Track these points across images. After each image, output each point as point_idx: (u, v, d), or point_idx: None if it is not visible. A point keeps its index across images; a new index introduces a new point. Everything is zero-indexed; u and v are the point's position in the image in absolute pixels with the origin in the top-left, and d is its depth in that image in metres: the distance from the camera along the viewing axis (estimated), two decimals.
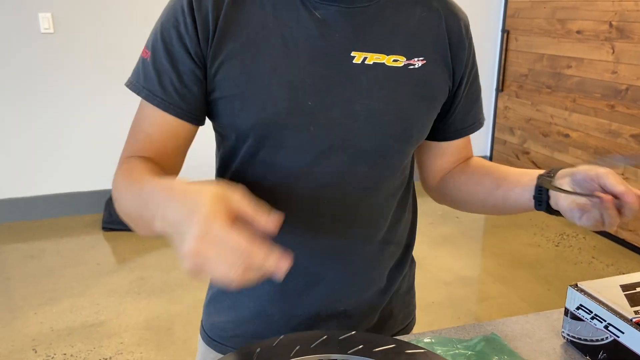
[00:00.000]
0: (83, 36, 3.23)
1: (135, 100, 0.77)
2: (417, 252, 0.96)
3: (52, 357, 2.11)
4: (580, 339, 0.78)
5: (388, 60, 0.76)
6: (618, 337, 0.71)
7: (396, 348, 0.64)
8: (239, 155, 0.78)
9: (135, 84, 0.76)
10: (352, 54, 0.74)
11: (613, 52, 3.15)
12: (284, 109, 0.73)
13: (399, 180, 0.86)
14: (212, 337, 0.90)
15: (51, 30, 3.16)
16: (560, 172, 0.75)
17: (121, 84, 0.89)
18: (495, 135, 4.29)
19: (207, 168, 1.71)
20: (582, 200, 0.71)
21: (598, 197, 0.68)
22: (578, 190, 0.72)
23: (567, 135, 3.56)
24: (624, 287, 0.78)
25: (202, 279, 0.51)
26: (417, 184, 0.96)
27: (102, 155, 3.36)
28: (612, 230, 0.70)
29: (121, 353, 2.15)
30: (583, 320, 0.77)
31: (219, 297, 0.89)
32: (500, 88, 4.15)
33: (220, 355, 0.88)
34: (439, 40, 0.80)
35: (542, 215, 3.28)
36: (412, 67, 0.77)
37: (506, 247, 3.15)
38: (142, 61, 0.75)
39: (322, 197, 0.78)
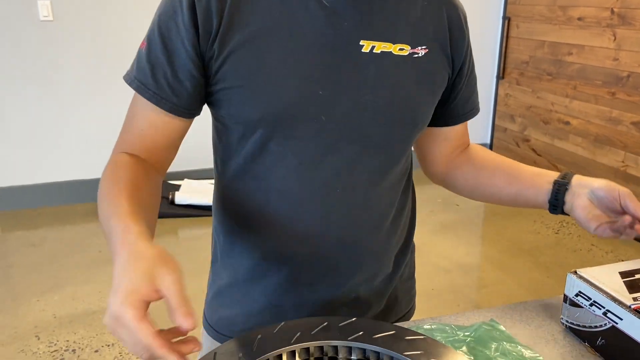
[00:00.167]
0: (82, 24, 3.22)
1: None
2: (417, 239, 0.97)
3: (55, 344, 2.13)
4: (579, 325, 0.79)
5: (394, 49, 0.76)
6: (617, 323, 0.72)
7: (396, 334, 0.65)
8: (247, 146, 0.77)
9: (129, 75, 0.75)
10: (361, 42, 0.74)
11: (615, 39, 3.13)
12: (295, 99, 0.73)
13: (404, 166, 0.87)
14: (220, 331, 0.90)
15: (50, 18, 3.14)
16: (576, 181, 0.81)
17: (121, 72, 0.89)
18: (496, 122, 4.28)
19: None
20: (599, 212, 0.79)
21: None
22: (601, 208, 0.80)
23: (567, 123, 3.55)
24: (623, 274, 0.79)
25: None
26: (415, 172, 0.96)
27: (103, 143, 3.35)
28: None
29: None
30: (582, 307, 0.77)
31: (227, 291, 0.89)
32: (501, 75, 4.13)
33: None
34: (439, 29, 0.81)
35: None
36: (416, 55, 0.78)
37: (506, 234, 3.16)
38: (139, 52, 0.75)
39: (333, 186, 0.78)
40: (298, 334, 0.65)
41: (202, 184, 3.51)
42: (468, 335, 0.77)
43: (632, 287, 0.76)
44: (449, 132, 0.93)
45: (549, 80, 3.67)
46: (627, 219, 0.75)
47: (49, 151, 3.37)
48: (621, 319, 0.71)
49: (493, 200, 0.92)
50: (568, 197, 0.81)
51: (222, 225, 0.87)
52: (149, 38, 0.73)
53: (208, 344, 0.92)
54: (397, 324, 0.71)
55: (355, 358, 0.65)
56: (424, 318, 0.84)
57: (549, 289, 2.58)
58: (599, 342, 0.75)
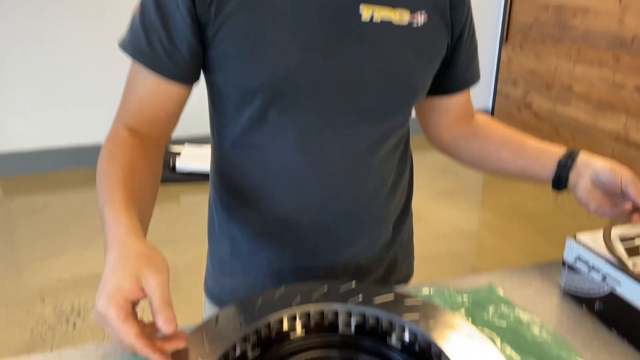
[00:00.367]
0: None
1: None
2: (416, 205, 0.97)
3: (60, 307, 2.16)
4: (577, 290, 0.79)
5: (394, 14, 0.75)
6: (615, 288, 0.72)
7: (395, 299, 0.66)
8: (245, 115, 0.77)
9: (123, 41, 0.74)
10: (361, 7, 0.73)
11: (620, 1, 3.07)
12: (296, 67, 0.72)
13: (402, 134, 0.87)
14: (224, 299, 0.91)
15: None
16: (581, 161, 0.82)
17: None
18: (498, 87, 4.24)
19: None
20: (600, 195, 0.80)
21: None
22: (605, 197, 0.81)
23: (570, 87, 3.52)
24: (623, 239, 0.79)
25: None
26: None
27: (105, 107, 3.32)
28: None
29: None
30: (581, 272, 0.78)
31: (227, 260, 0.89)
32: (505, 39, 4.07)
33: None
34: None
35: None
36: (415, 25, 0.76)
37: (505, 200, 3.17)
38: (132, 18, 0.73)
39: (333, 156, 0.78)
40: (298, 298, 0.65)
41: (203, 149, 3.49)
42: (467, 300, 0.77)
43: (631, 251, 0.77)
44: (451, 102, 0.91)
45: (553, 43, 3.62)
46: (628, 207, 0.77)
47: (50, 115, 3.34)
48: (620, 284, 0.72)
49: (498, 173, 0.92)
50: (572, 176, 0.83)
51: (220, 195, 0.87)
52: (143, 2, 0.72)
53: (210, 311, 0.93)
54: (396, 287, 0.71)
55: (355, 321, 0.66)
56: (422, 281, 0.85)
57: (548, 254, 2.60)
58: (597, 306, 0.76)
